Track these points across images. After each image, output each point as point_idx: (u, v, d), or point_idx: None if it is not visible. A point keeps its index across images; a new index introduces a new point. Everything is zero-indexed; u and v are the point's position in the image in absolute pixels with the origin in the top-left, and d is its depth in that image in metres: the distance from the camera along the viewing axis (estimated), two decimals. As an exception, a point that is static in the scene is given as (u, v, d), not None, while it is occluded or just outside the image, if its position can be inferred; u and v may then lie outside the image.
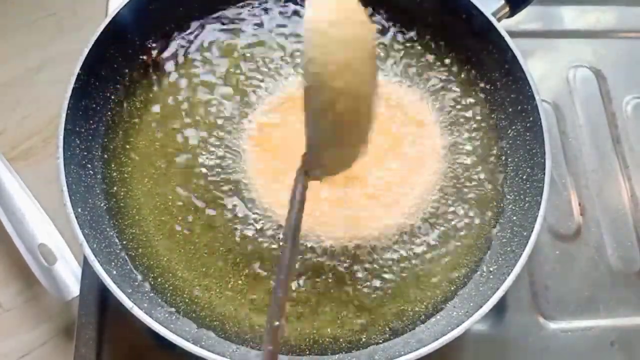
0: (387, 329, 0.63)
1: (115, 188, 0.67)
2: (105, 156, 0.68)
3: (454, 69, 0.75)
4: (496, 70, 0.73)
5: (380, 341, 0.62)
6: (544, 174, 0.64)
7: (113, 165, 0.68)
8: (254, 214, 0.66)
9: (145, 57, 0.72)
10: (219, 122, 0.70)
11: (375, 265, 0.65)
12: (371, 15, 0.77)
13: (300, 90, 0.44)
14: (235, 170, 0.68)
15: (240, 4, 0.76)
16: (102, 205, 0.66)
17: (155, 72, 0.72)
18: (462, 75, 0.75)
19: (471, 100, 0.74)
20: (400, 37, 0.76)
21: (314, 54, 0.43)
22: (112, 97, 0.70)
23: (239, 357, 0.59)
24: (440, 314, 0.64)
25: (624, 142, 0.81)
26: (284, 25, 0.76)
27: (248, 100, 0.71)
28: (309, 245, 0.65)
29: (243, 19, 0.76)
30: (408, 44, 0.76)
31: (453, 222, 0.68)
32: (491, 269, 0.65)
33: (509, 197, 0.69)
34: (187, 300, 0.63)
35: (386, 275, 0.65)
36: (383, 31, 0.76)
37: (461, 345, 0.67)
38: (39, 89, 0.82)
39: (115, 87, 0.71)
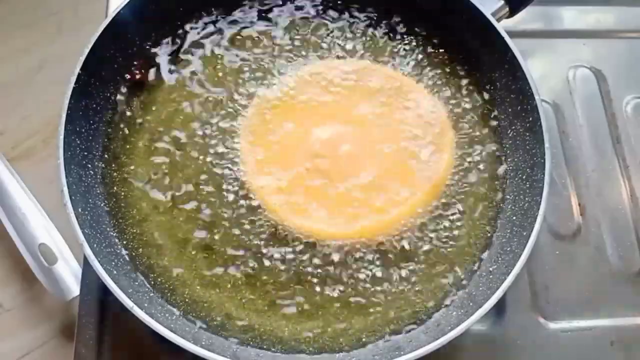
0: (387, 329, 0.63)
1: (115, 188, 0.67)
2: (106, 156, 0.68)
3: (454, 69, 0.75)
4: (496, 70, 0.73)
5: (380, 341, 0.62)
6: (544, 174, 0.64)
7: (113, 165, 0.68)
8: (253, 213, 0.66)
9: (145, 57, 0.72)
10: (218, 119, 0.70)
11: (375, 266, 0.65)
12: (372, 14, 0.77)
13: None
14: (234, 167, 0.68)
15: (240, 5, 0.77)
16: (102, 205, 0.66)
17: (155, 72, 0.73)
18: (462, 75, 0.75)
19: (471, 100, 0.74)
20: (400, 36, 0.77)
21: None
22: (112, 97, 0.70)
23: (239, 356, 0.59)
24: (440, 314, 0.64)
25: (624, 142, 0.81)
26: (279, 25, 0.76)
27: (247, 99, 0.71)
28: (310, 244, 0.65)
29: (242, 20, 0.76)
30: (407, 43, 0.76)
31: (452, 222, 0.68)
32: (491, 269, 0.65)
33: (508, 197, 0.69)
34: (187, 300, 0.63)
35: (386, 276, 0.65)
36: (382, 29, 0.76)
37: (461, 345, 0.67)
38: (39, 89, 0.82)
39: (115, 87, 0.71)
